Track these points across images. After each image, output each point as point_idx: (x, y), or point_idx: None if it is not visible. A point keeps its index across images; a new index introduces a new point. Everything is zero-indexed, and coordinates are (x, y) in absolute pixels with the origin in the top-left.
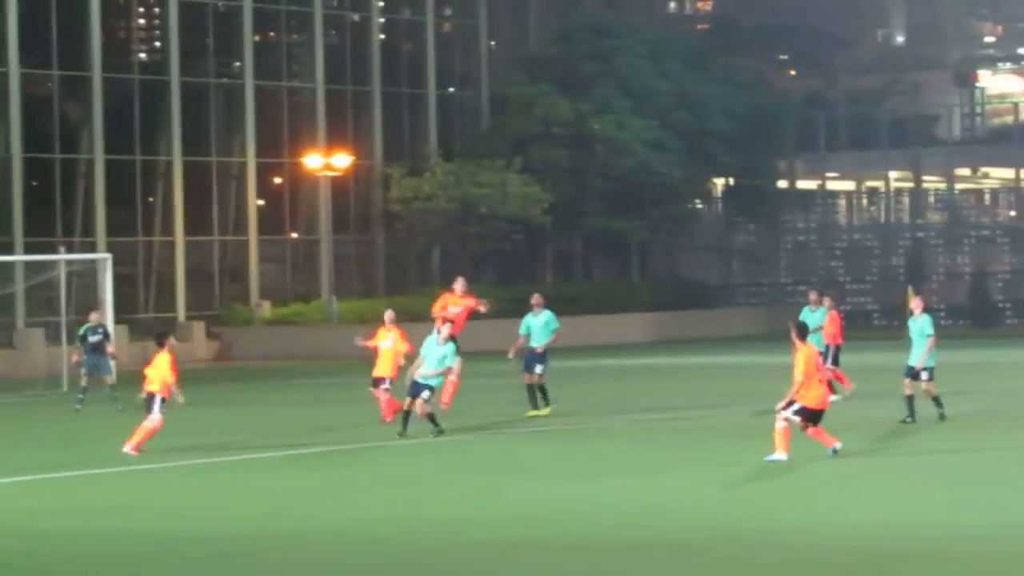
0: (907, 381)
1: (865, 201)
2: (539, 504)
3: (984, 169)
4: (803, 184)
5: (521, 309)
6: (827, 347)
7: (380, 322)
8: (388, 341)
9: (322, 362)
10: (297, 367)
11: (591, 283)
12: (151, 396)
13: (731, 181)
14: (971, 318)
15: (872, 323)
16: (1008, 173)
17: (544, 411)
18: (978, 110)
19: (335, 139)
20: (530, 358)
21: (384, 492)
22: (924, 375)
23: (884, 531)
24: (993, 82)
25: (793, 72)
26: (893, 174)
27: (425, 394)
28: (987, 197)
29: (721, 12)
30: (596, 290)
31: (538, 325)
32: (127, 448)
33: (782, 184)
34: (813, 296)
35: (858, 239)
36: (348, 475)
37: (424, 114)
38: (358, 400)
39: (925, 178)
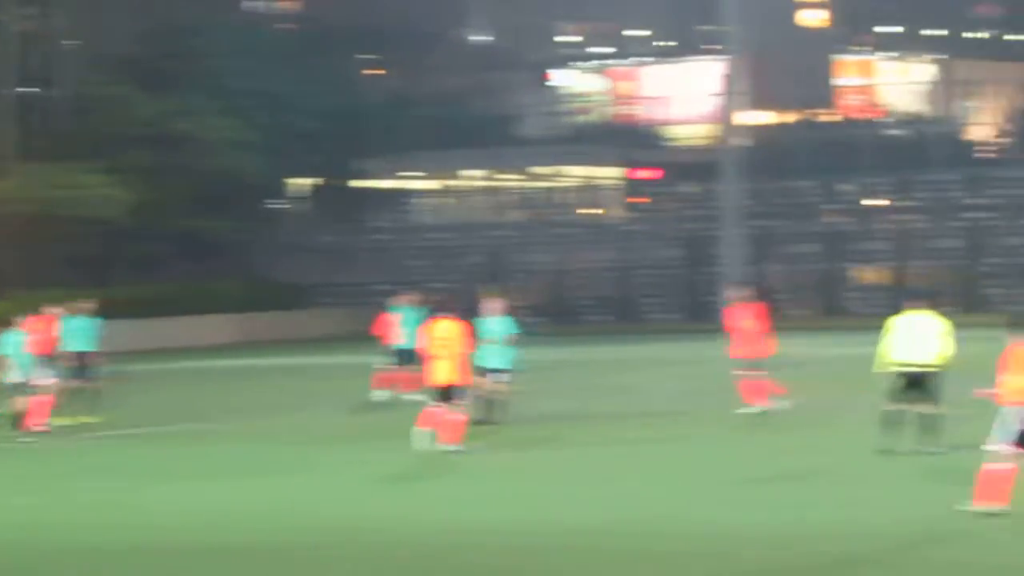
0: (483, 379)
1: (448, 200)
2: (159, 508)
3: (564, 167)
4: (388, 183)
5: (104, 312)
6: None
7: None
8: None
9: None
10: None
11: (175, 284)
12: None
13: (317, 181)
14: (551, 316)
15: None
16: (587, 171)
17: (81, 419)
18: (558, 109)
19: None
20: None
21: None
22: (505, 376)
23: (504, 527)
24: (572, 81)
25: (380, 72)
26: (476, 173)
27: None
28: (566, 195)
29: (309, 12)
30: (180, 291)
31: (78, 329)
32: None
33: (368, 183)
34: (403, 299)
35: (440, 238)
36: None
37: (1, 114)
38: None
39: (507, 177)
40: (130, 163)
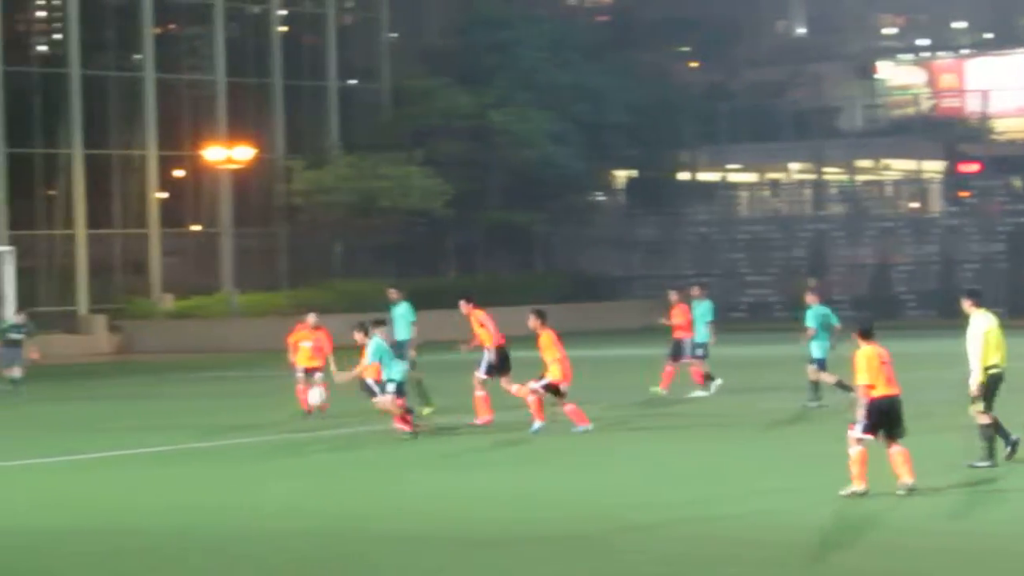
0: (810, 368)
1: (767, 193)
2: (434, 498)
3: (885, 161)
4: (704, 176)
5: (422, 302)
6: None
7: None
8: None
9: (224, 355)
10: (199, 360)
11: (492, 276)
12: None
13: (632, 173)
14: (873, 309)
15: (773, 315)
16: (909, 165)
17: (425, 410)
18: (879, 102)
19: (236, 132)
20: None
21: (283, 485)
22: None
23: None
24: (894, 74)
25: (694, 64)
26: (795, 166)
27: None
28: (888, 189)
29: (621, 4)
30: (497, 283)
31: (397, 316)
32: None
33: (683, 176)
34: (696, 291)
35: (760, 231)
36: (251, 468)
37: (325, 106)
38: (261, 393)
39: (827, 170)
40: (448, 155)
